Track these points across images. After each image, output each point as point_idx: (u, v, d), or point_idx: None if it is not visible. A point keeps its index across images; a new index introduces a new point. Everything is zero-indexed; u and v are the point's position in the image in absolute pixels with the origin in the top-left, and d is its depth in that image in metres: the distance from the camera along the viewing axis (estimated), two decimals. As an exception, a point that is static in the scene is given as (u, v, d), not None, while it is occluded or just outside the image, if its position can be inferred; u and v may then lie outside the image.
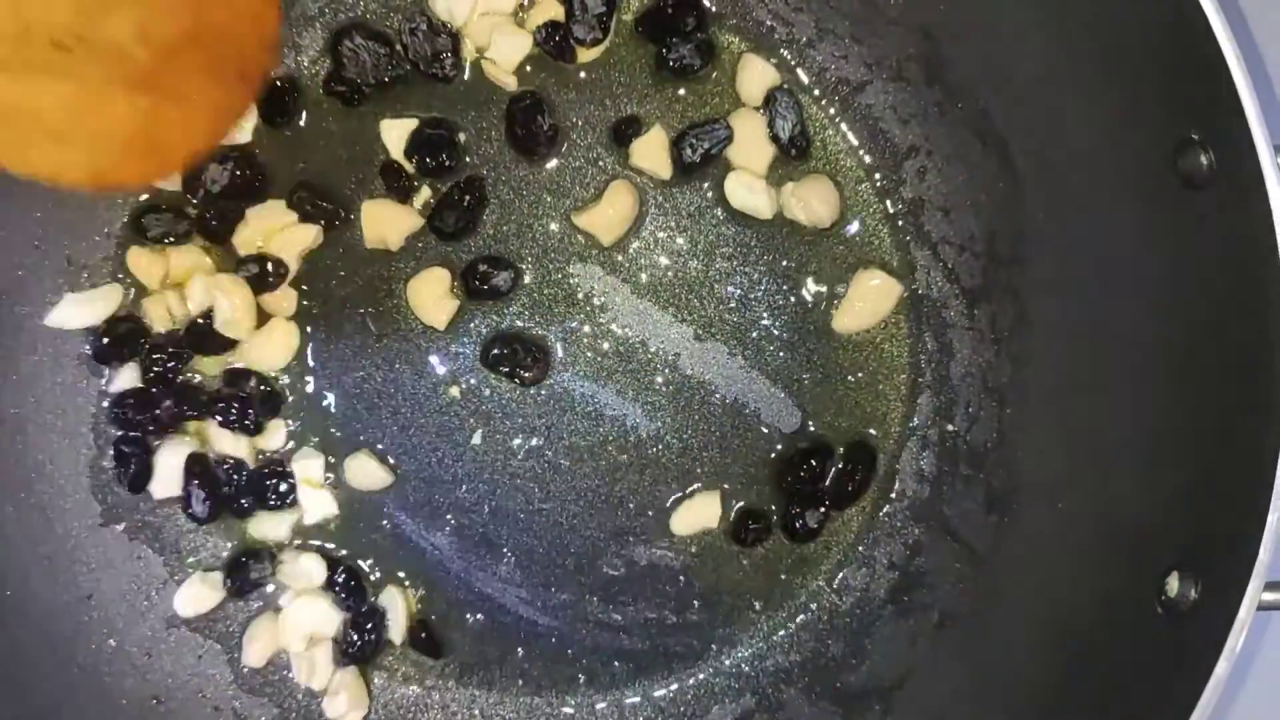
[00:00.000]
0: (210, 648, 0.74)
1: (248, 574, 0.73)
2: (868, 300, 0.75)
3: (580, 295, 0.75)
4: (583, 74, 0.74)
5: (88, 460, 0.73)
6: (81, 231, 0.72)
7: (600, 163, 0.75)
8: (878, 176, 0.75)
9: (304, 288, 0.74)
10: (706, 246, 0.75)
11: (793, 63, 0.75)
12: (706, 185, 0.75)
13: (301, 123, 0.74)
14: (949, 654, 0.72)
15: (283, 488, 0.73)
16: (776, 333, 0.75)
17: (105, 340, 0.72)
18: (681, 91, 0.75)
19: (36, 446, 0.72)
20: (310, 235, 0.72)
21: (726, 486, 0.75)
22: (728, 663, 0.76)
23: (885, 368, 0.76)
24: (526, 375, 0.74)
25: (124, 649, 0.72)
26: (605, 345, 0.75)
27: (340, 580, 0.73)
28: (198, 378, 0.73)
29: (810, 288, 0.75)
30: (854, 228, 0.75)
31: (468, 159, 0.74)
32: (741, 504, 0.75)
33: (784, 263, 0.75)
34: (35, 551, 0.71)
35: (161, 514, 0.74)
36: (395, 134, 0.73)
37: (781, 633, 0.76)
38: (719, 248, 0.75)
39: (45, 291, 0.71)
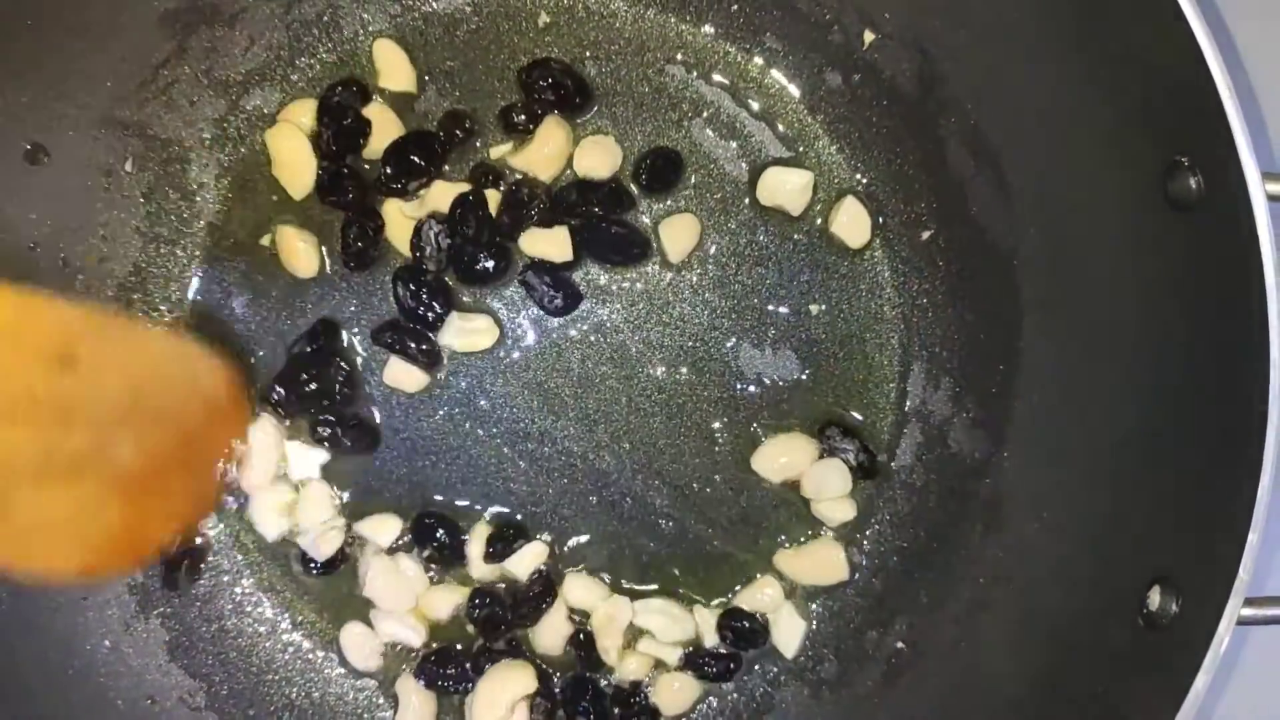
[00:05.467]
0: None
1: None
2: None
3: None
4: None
5: (82, 461, 0.73)
6: (76, 233, 0.72)
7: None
8: (868, 188, 0.76)
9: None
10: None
11: (785, 75, 0.76)
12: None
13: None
14: (933, 661, 0.73)
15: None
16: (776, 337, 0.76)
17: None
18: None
19: (31, 447, 0.72)
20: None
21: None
22: (717, 664, 0.77)
23: (875, 378, 0.77)
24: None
25: (119, 650, 0.72)
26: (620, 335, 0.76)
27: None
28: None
29: (808, 301, 0.77)
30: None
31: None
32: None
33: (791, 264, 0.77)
34: (30, 553, 0.71)
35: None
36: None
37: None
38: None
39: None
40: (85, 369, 0.55)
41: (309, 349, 0.74)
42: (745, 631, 0.74)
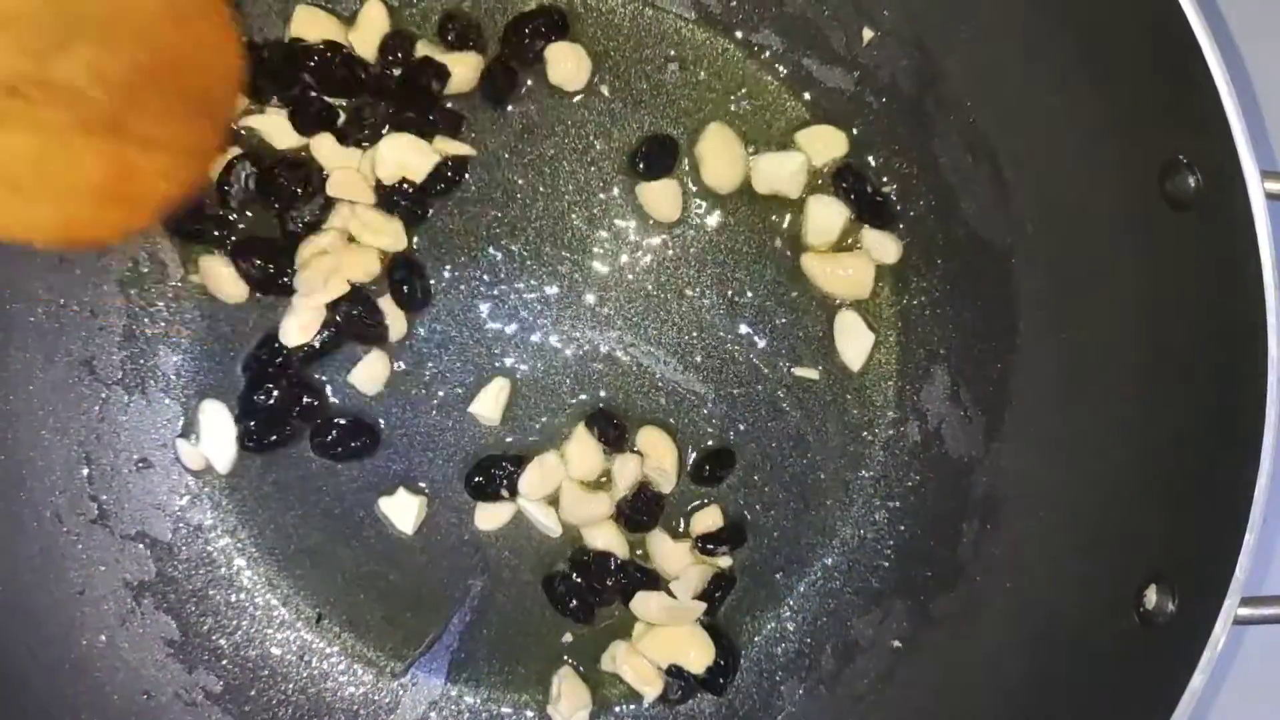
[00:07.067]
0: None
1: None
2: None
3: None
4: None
5: (79, 456, 0.73)
6: (73, 228, 0.72)
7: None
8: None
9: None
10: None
11: (782, 72, 0.76)
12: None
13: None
14: (929, 659, 0.73)
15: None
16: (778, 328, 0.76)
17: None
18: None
19: (27, 442, 0.72)
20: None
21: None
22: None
23: (873, 374, 0.77)
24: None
25: (115, 645, 0.72)
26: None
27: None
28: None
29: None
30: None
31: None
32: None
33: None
34: (26, 548, 0.71)
35: (151, 508, 0.74)
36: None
37: (771, 625, 0.77)
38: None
39: (36, 288, 0.71)
40: None
41: (258, 364, 0.73)
42: None
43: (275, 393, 0.73)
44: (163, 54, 0.54)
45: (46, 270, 0.71)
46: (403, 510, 0.74)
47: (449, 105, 0.74)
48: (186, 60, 0.57)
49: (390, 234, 0.73)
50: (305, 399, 0.73)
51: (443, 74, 0.72)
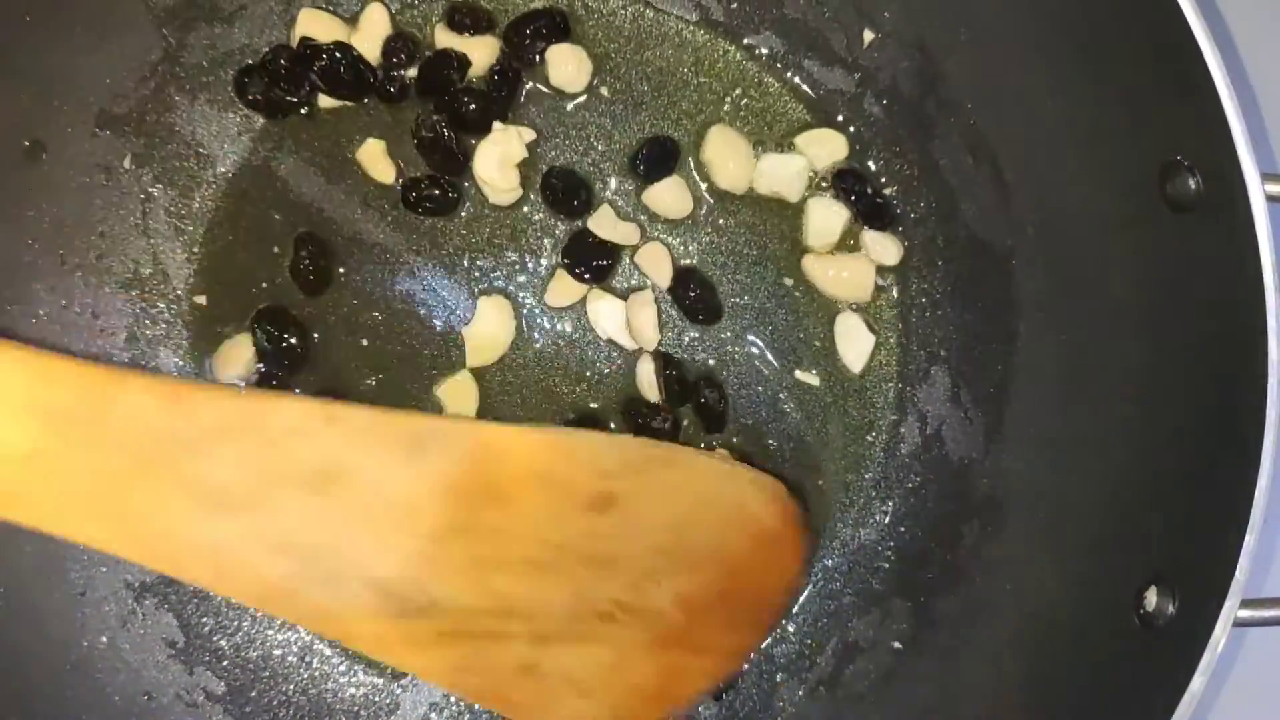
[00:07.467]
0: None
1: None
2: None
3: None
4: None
5: (80, 458, 0.73)
6: (75, 231, 0.72)
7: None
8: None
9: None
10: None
11: (784, 74, 0.76)
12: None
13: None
14: (930, 660, 0.73)
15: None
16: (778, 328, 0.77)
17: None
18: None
19: (29, 444, 0.72)
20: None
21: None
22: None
23: (873, 378, 0.77)
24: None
25: (116, 646, 0.72)
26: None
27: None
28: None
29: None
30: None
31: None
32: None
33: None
34: (26, 550, 0.71)
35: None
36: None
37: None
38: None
39: (39, 290, 0.71)
40: (622, 509, 0.50)
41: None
42: None
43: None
44: (743, 580, 0.58)
45: (48, 272, 0.72)
46: None
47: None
48: (761, 583, 0.60)
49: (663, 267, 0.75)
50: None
51: (464, 63, 0.73)
